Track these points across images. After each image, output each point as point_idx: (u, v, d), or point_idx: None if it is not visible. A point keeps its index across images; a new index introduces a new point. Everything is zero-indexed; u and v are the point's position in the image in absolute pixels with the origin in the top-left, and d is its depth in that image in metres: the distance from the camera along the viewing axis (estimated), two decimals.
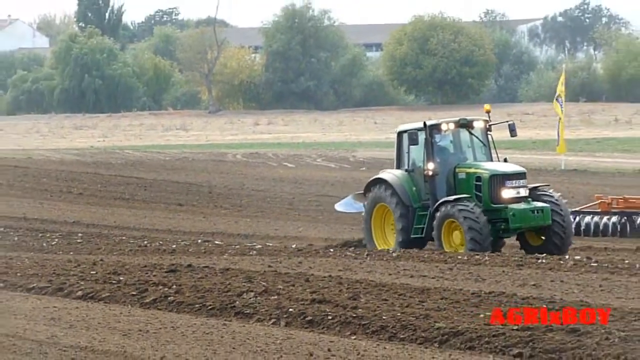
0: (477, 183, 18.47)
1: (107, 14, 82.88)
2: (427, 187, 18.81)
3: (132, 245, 19.32)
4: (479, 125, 19.19)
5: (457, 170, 18.81)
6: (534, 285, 13.80)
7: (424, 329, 10.73)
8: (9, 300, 12.92)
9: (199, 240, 20.62)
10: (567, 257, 17.34)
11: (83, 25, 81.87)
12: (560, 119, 37.70)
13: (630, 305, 11.88)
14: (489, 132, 19.28)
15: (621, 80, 72.36)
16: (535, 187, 18.98)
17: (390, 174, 19.35)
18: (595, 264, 15.92)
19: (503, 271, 15.22)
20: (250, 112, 77.98)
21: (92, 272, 14.67)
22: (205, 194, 32.57)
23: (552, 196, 18.74)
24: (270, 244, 19.80)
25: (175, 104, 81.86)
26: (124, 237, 20.85)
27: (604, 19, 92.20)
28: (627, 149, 49.93)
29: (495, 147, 19.31)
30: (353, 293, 12.76)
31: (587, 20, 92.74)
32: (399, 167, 19.45)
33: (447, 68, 72.06)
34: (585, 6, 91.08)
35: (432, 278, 14.45)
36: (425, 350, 10.26)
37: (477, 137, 19.24)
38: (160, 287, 13.33)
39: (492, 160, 19.16)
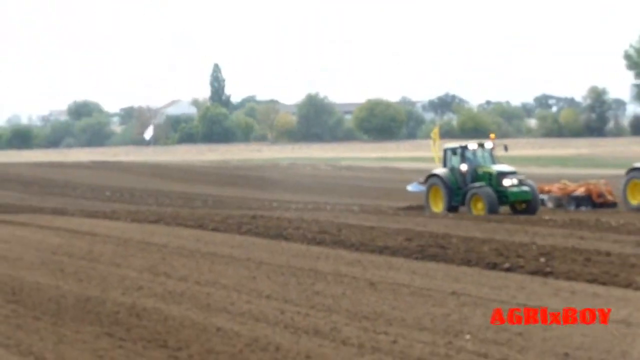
0: (490, 176, 31.72)
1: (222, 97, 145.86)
2: (461, 178, 32.22)
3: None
4: (488, 145, 33.08)
5: (477, 169, 32.19)
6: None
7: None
8: None
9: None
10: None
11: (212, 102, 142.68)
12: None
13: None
14: (493, 149, 32.94)
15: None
16: (521, 178, 31.89)
17: (440, 171, 32.86)
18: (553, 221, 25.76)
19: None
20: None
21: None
22: None
23: (530, 183, 32.10)
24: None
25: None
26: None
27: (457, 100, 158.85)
28: None
29: (496, 157, 32.82)
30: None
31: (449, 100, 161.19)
32: (445, 167, 32.95)
33: (384, 124, 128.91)
34: (448, 93, 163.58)
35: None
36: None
37: (487, 152, 32.92)
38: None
39: (495, 164, 32.42)
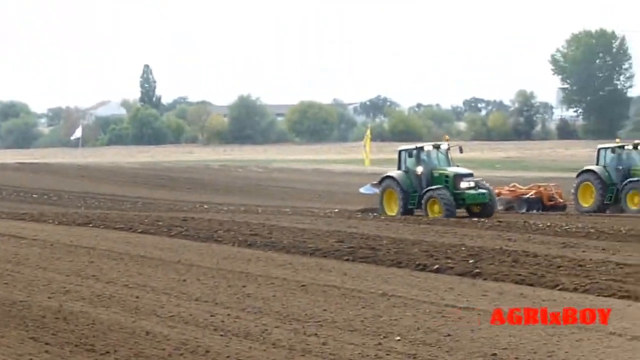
0: (446, 179, 31.18)
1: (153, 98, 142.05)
2: (416, 181, 31.51)
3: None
4: (444, 147, 32.39)
5: (433, 171, 31.50)
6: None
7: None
8: None
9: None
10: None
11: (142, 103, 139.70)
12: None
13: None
14: (448, 151, 32.19)
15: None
16: (477, 181, 31.51)
17: (395, 173, 32.14)
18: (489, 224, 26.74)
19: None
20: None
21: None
22: None
23: (486, 186, 31.64)
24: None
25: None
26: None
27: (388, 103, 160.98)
28: None
29: (451, 159, 32.19)
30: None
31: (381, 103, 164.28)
32: (399, 169, 32.26)
33: (316, 126, 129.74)
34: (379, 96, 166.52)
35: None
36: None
37: (442, 154, 32.22)
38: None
39: (451, 166, 31.83)
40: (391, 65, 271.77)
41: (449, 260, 16.61)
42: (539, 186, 37.50)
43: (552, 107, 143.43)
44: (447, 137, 34.53)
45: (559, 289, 13.87)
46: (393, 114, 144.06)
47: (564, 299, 13.14)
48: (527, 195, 36.24)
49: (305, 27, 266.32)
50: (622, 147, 36.24)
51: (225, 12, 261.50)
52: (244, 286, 14.19)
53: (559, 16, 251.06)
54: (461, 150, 32.72)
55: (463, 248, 18.63)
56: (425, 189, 30.94)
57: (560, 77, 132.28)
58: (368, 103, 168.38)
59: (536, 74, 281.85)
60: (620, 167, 35.34)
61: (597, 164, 36.23)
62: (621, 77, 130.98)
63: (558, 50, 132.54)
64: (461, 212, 31.29)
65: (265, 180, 60.35)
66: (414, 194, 31.38)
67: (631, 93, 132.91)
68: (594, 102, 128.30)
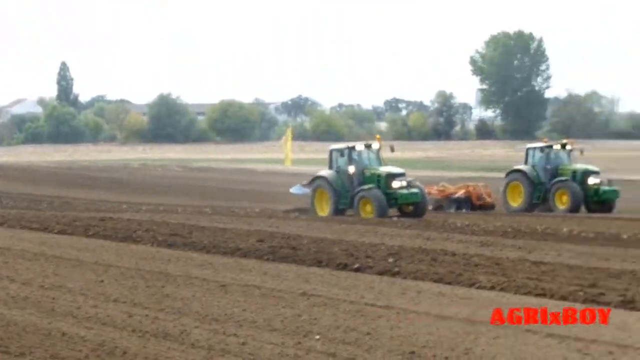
0: (378, 178, 31.02)
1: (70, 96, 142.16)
2: (348, 180, 31.34)
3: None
4: (375, 146, 32.22)
5: (365, 171, 31.40)
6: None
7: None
8: None
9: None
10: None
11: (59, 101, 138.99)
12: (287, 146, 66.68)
13: None
14: (379, 150, 32.16)
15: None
16: (409, 180, 31.41)
17: (326, 172, 31.98)
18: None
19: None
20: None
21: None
22: None
23: (418, 185, 31.56)
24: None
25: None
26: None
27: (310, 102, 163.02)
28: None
29: (383, 158, 32.17)
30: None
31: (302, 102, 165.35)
32: (330, 168, 32.11)
33: (237, 125, 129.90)
34: (301, 95, 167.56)
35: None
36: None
37: (373, 153, 32.19)
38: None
39: (382, 166, 31.73)
40: (312, 65, 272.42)
41: (369, 259, 16.73)
42: (468, 186, 37.79)
43: (471, 108, 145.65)
44: (378, 136, 34.20)
45: (477, 287, 14.09)
46: (314, 114, 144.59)
47: (481, 297, 13.35)
48: (457, 195, 36.54)
49: (228, 25, 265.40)
50: (550, 146, 36.72)
51: (143, 10, 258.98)
52: (162, 286, 14.09)
53: (478, 17, 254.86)
54: (392, 150, 32.60)
55: (383, 247, 18.79)
56: (357, 189, 30.74)
57: (479, 78, 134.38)
58: (289, 102, 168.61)
59: (456, 75, 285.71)
60: (549, 167, 35.88)
61: (526, 164, 36.63)
62: (538, 78, 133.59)
63: (477, 52, 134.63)
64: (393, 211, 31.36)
65: (185, 179, 59.95)
66: (345, 193, 31.16)
67: (548, 94, 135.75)
68: (511, 102, 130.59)
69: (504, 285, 14.02)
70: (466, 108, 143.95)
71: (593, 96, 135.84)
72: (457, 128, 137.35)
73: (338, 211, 30.93)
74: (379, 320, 11.57)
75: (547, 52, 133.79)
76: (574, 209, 34.46)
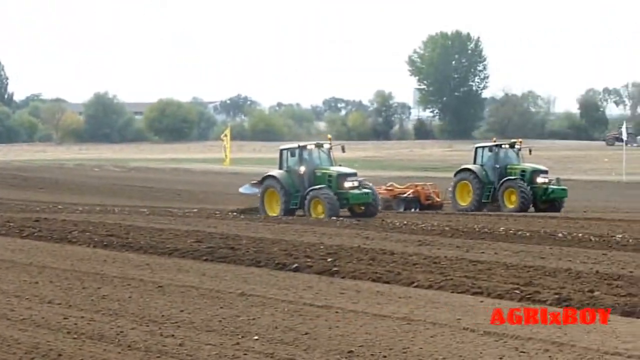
0: (329, 178, 30.71)
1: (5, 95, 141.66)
2: (299, 180, 30.89)
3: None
4: (326, 146, 31.85)
5: (315, 171, 30.98)
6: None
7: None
8: None
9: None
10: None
11: None
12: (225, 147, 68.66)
13: None
14: (330, 150, 31.82)
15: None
16: (360, 180, 31.16)
17: (277, 172, 31.51)
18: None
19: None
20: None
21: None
22: None
23: (370, 185, 31.36)
24: None
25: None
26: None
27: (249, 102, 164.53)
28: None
29: (333, 158, 31.79)
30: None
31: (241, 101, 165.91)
32: (280, 168, 31.62)
33: (175, 125, 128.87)
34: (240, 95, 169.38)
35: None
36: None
37: (324, 153, 31.81)
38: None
39: (333, 165, 31.44)
40: (252, 64, 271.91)
41: (308, 259, 16.75)
42: (416, 185, 37.80)
43: (409, 108, 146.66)
44: (329, 136, 33.61)
45: (415, 286, 14.19)
46: (253, 113, 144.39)
47: (418, 295, 13.45)
48: (405, 195, 36.59)
49: (164, 23, 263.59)
50: (499, 145, 36.80)
51: (77, 8, 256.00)
52: (99, 288, 13.94)
53: (417, 17, 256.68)
54: (343, 150, 32.04)
55: (322, 247, 18.83)
56: (308, 189, 30.36)
57: (417, 78, 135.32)
58: (228, 102, 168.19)
59: (394, 75, 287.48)
60: (497, 166, 35.95)
61: (475, 163, 36.73)
62: (476, 79, 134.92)
63: (415, 52, 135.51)
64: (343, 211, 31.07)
65: (122, 179, 59.39)
66: (296, 193, 30.78)
67: (485, 94, 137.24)
68: (449, 102, 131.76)
69: (441, 284, 14.13)
70: (404, 108, 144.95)
71: (529, 96, 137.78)
72: (396, 128, 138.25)
73: (288, 211, 30.57)
74: (318, 320, 11.59)
75: (485, 53, 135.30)
76: (522, 208, 34.52)
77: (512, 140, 37.90)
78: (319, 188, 30.13)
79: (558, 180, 36.76)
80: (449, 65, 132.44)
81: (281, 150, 32.10)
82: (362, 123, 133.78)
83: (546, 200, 35.53)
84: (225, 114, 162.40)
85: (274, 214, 30.55)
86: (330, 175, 30.66)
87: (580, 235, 22.21)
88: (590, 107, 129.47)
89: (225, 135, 69.99)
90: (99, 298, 13.09)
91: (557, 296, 12.92)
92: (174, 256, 17.62)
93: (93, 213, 29.27)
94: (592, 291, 13.33)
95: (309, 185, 30.56)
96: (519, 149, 36.91)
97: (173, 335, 10.69)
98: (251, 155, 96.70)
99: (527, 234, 22.53)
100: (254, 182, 32.77)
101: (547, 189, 35.54)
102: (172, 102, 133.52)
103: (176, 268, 16.12)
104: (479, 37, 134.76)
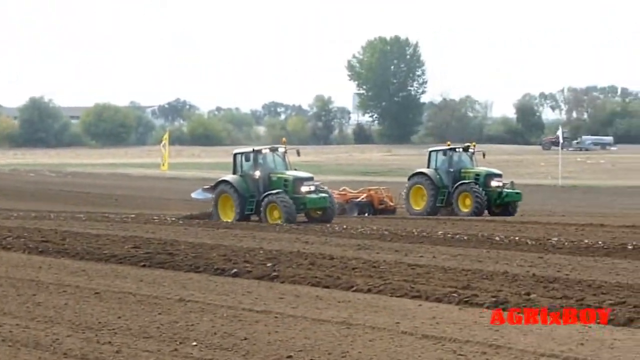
0: (285, 183, 30.10)
1: None
2: (253, 185, 30.33)
3: None
4: (281, 150, 31.30)
5: (271, 175, 30.45)
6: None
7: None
8: None
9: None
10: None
11: None
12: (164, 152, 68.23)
13: None
14: (285, 154, 31.31)
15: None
16: (317, 185, 30.55)
17: (231, 177, 30.94)
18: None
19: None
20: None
21: None
22: None
23: (326, 190, 30.83)
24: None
25: None
26: None
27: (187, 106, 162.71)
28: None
29: (289, 162, 31.11)
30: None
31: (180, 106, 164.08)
32: (234, 173, 31.04)
33: (112, 129, 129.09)
34: (179, 99, 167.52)
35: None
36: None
37: (279, 157, 31.24)
38: None
39: (288, 170, 30.80)
40: (190, 68, 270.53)
41: (247, 264, 16.71)
42: (370, 190, 37.54)
43: (349, 112, 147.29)
44: (284, 139, 32.90)
45: (354, 290, 14.23)
46: (192, 118, 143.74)
47: (358, 299, 13.49)
48: (358, 199, 36.41)
49: (102, 27, 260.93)
50: (453, 149, 36.56)
51: (14, 10, 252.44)
52: (34, 295, 13.74)
53: (356, 22, 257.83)
54: (298, 154, 31.62)
55: (261, 252, 18.80)
56: (264, 194, 29.77)
57: (356, 82, 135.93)
58: (167, 106, 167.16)
59: (334, 80, 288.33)
60: (452, 170, 35.80)
61: (429, 167, 36.47)
62: (415, 83, 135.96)
63: (354, 56, 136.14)
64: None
65: (58, 184, 58.64)
66: (251, 199, 30.15)
67: (424, 99, 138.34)
68: (388, 107, 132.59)
69: (380, 288, 14.19)
70: (344, 112, 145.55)
71: (467, 101, 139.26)
72: (336, 132, 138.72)
73: (243, 217, 30.00)
74: (257, 325, 11.56)
75: (423, 58, 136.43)
76: (477, 212, 34.35)
77: (466, 144, 37.76)
78: (275, 193, 29.58)
79: (512, 183, 36.81)
80: (388, 70, 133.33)
81: (235, 155, 31.44)
82: (302, 127, 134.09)
83: (500, 204, 35.46)
84: (164, 118, 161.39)
85: (229, 220, 29.92)
86: (286, 180, 30.14)
87: (517, 238, 22.48)
88: (527, 112, 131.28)
89: (165, 140, 69.44)
90: (34, 305, 12.90)
91: (494, 299, 13.05)
92: (111, 262, 17.45)
93: (28, 219, 28.86)
94: (528, 294, 13.49)
95: (265, 190, 29.99)
96: (473, 153, 36.81)
97: (110, 342, 10.58)
98: (190, 160, 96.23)
99: (465, 238, 22.74)
100: (207, 187, 32.17)
101: (501, 192, 35.43)
102: (109, 107, 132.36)
103: (113, 274, 15.96)
104: (417, 42, 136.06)
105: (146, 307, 12.82)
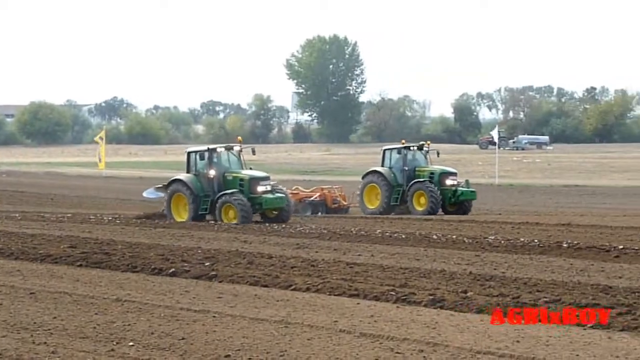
0: (241, 182, 29.65)
1: None
2: (208, 184, 29.88)
3: None
4: (236, 148, 30.79)
5: (226, 174, 29.92)
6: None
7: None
8: None
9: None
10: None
11: None
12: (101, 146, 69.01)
13: None
14: (241, 153, 30.78)
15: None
16: (273, 184, 30.11)
17: (184, 176, 30.31)
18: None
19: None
20: None
21: None
22: None
23: (283, 190, 30.44)
24: None
25: None
26: None
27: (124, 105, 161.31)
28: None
29: (244, 161, 30.66)
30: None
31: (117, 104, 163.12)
32: (188, 172, 30.47)
33: (48, 128, 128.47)
34: (116, 97, 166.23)
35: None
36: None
37: (235, 155, 30.76)
38: None
39: (243, 169, 30.36)
40: (128, 67, 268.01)
41: (185, 264, 16.63)
42: (322, 189, 37.32)
43: (288, 111, 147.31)
44: (240, 138, 31.65)
45: (292, 289, 14.25)
46: (129, 116, 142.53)
47: (296, 298, 13.51)
48: (311, 199, 36.11)
49: (36, 23, 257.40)
50: (408, 147, 36.32)
51: None
52: None
53: (295, 21, 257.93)
54: (254, 152, 31.02)
55: (199, 251, 18.73)
56: (219, 194, 29.30)
57: (295, 81, 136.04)
58: (104, 104, 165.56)
59: (273, 78, 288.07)
60: (406, 168, 35.63)
61: (383, 165, 36.28)
62: (353, 83, 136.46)
63: (293, 55, 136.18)
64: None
65: None
66: (205, 198, 29.64)
67: (363, 98, 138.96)
68: (327, 106, 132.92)
69: (319, 287, 14.23)
70: (283, 111, 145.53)
71: (405, 100, 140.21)
72: (275, 131, 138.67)
73: (197, 217, 29.48)
74: (194, 324, 11.52)
75: (362, 57, 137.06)
76: (432, 210, 34.26)
77: (420, 143, 37.50)
78: (231, 193, 29.06)
79: (467, 182, 36.59)
80: (327, 70, 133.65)
81: (189, 153, 30.78)
82: (241, 126, 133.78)
83: (455, 202, 35.34)
84: (101, 117, 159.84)
85: (182, 220, 29.49)
86: (242, 179, 29.66)
87: (454, 237, 22.70)
88: (464, 111, 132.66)
89: (101, 138, 68.75)
90: None
91: (431, 297, 13.17)
92: (47, 262, 17.24)
93: None
94: (465, 292, 13.64)
95: (219, 189, 29.57)
96: (427, 151, 36.67)
97: (45, 343, 10.45)
98: (127, 159, 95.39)
99: (403, 236, 22.90)
100: (159, 186, 31.60)
101: (456, 191, 35.32)
102: (45, 105, 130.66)
103: (49, 274, 15.77)
104: (356, 42, 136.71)
105: (82, 307, 12.69)
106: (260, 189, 29.46)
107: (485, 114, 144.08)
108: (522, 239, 21.94)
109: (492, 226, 26.63)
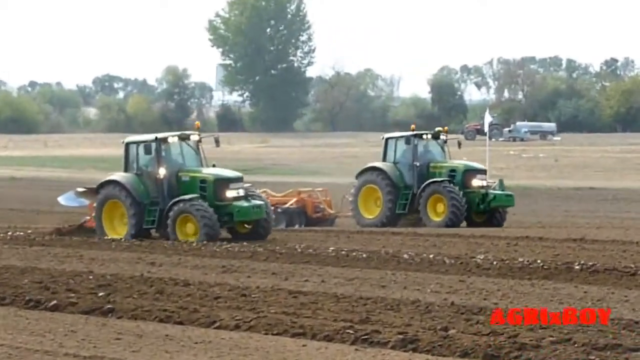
0: (202, 185, 28.30)
1: None
2: (155, 187, 28.48)
3: None
4: (194, 138, 29.32)
5: (179, 174, 28.60)
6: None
7: None
8: None
9: None
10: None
11: None
12: None
13: None
14: (200, 143, 29.43)
15: None
16: (248, 188, 28.91)
17: (121, 176, 28.78)
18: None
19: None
20: None
21: None
22: None
23: (260, 196, 29.37)
24: None
25: None
26: None
27: None
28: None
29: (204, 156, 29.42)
30: None
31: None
32: (127, 170, 28.95)
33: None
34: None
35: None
36: None
37: (192, 148, 29.31)
38: None
39: (205, 167, 29.01)
40: None
41: (72, 294, 16.58)
42: (300, 193, 36.16)
43: (211, 90, 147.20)
44: (198, 123, 30.73)
45: (216, 327, 14.24)
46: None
47: (221, 339, 13.49)
48: (286, 206, 35.12)
49: None
50: (419, 136, 34.91)
51: None
52: None
53: None
54: (217, 144, 30.00)
55: (91, 277, 18.69)
56: (173, 201, 27.90)
57: (220, 50, 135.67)
58: None
59: (191, 46, 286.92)
60: (417, 164, 34.25)
61: (385, 160, 34.92)
62: (298, 52, 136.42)
63: (217, 15, 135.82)
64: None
65: None
66: (152, 207, 28.30)
67: (311, 72, 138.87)
68: (263, 83, 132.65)
69: (252, 324, 14.25)
70: (205, 90, 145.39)
71: (367, 76, 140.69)
72: (193, 116, 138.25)
73: (140, 232, 28.13)
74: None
75: (309, 19, 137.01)
76: (454, 221, 33.04)
77: (437, 129, 36.03)
78: (189, 199, 27.72)
79: (501, 182, 35.35)
80: (263, 34, 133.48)
81: (127, 144, 29.10)
82: (147, 109, 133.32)
83: (485, 210, 34.24)
84: None
85: (118, 236, 28.22)
86: (204, 181, 28.36)
87: (431, 256, 22.83)
88: (445, 91, 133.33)
89: None
90: None
91: (401, 336, 13.21)
92: None
93: None
94: (446, 329, 13.69)
95: (172, 194, 28.20)
96: (445, 141, 35.47)
97: None
98: None
99: (364, 255, 22.98)
100: (82, 189, 30.40)
101: (486, 194, 34.14)
102: None
103: None
104: None
105: None
106: (229, 194, 28.29)
107: (472, 94, 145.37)
108: (520, 259, 22.13)
109: (481, 242, 26.82)
